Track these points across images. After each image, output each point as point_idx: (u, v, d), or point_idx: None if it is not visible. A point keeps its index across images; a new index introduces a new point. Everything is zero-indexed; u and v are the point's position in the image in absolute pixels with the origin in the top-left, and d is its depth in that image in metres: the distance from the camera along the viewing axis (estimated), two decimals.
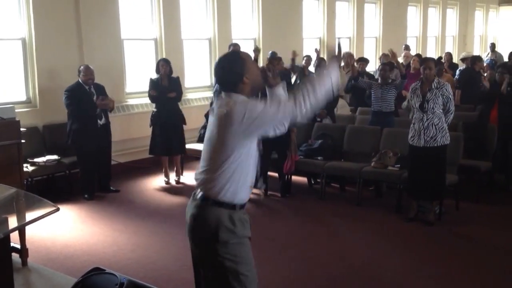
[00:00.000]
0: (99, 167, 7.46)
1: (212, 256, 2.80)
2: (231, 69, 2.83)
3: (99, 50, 8.18)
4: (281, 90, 3.00)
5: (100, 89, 7.31)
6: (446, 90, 5.91)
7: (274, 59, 7.45)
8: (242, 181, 2.83)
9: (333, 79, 2.83)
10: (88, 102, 7.09)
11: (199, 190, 2.88)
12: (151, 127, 7.86)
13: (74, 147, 7.21)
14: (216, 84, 7.07)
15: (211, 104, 8.55)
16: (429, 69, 5.97)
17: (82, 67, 7.23)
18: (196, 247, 2.91)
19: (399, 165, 6.64)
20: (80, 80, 7.19)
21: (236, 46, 8.62)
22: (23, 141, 6.43)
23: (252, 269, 2.87)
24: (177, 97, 7.88)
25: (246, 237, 2.89)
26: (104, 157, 7.45)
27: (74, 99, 7.04)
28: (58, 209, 4.12)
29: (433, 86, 5.92)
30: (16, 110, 6.87)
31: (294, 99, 2.77)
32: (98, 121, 7.19)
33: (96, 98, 7.15)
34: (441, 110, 5.91)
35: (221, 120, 2.78)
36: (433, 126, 5.88)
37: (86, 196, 7.23)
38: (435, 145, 5.89)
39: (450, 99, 5.93)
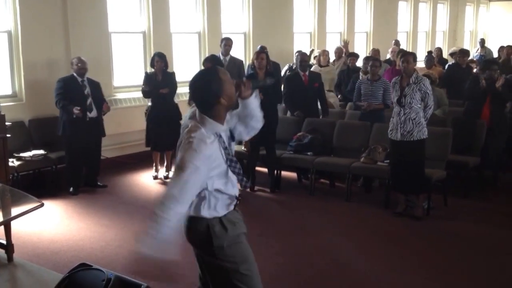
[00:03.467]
0: (87, 161, 7.39)
1: (211, 259, 2.85)
2: (208, 89, 2.68)
3: (86, 43, 8.08)
4: (254, 101, 2.91)
5: (95, 85, 7.27)
6: (424, 85, 5.92)
7: (261, 53, 7.36)
8: (220, 199, 2.81)
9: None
10: (78, 94, 7.02)
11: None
12: (146, 122, 7.81)
13: (64, 138, 7.13)
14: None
15: None
16: (406, 63, 5.99)
17: (75, 58, 7.19)
18: (196, 249, 2.98)
19: (388, 161, 6.63)
20: (74, 73, 7.13)
21: (228, 40, 8.55)
22: (8, 135, 6.40)
23: (252, 265, 2.90)
24: (171, 93, 7.80)
25: (241, 235, 2.91)
26: (93, 151, 7.37)
27: (65, 89, 6.98)
28: (42, 205, 4.08)
29: (411, 81, 5.94)
30: (2, 104, 6.85)
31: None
32: (88, 113, 7.10)
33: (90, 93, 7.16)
34: (420, 105, 5.92)
35: (178, 157, 2.70)
36: (410, 120, 5.91)
37: (71, 190, 7.16)
38: (412, 139, 5.93)
39: (428, 94, 5.93)
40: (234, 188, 2.89)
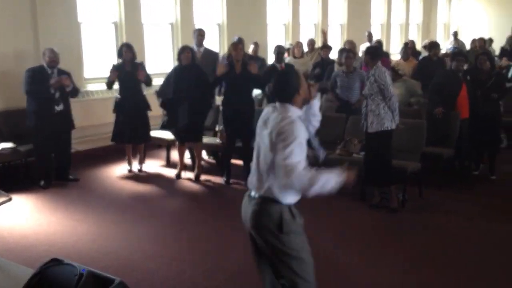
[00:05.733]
0: (57, 154, 7.23)
1: (278, 246, 3.09)
2: (290, 82, 3.17)
3: (55, 33, 7.90)
4: (317, 102, 3.39)
5: (65, 75, 7.07)
6: (379, 76, 5.91)
7: (238, 44, 7.30)
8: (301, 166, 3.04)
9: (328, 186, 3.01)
10: (46, 86, 6.85)
11: (254, 191, 3.20)
12: (115, 114, 7.66)
13: (31, 131, 6.96)
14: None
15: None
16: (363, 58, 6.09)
17: (47, 49, 7.00)
18: (261, 239, 3.17)
19: (364, 153, 6.63)
20: (44, 64, 6.95)
21: (201, 31, 8.45)
22: None
23: (309, 256, 3.21)
24: (147, 82, 7.69)
25: (302, 225, 3.21)
26: (63, 144, 7.22)
27: (33, 79, 6.80)
28: (10, 199, 3.97)
29: (370, 74, 5.98)
30: None
31: (310, 180, 2.95)
32: (56, 107, 6.94)
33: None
34: (380, 97, 5.93)
35: (273, 135, 3.04)
36: (371, 112, 5.97)
37: (42, 183, 7.02)
38: (372, 130, 5.98)
39: (384, 85, 5.90)
40: None
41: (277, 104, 3.20)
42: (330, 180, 2.97)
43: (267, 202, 3.09)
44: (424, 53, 10.95)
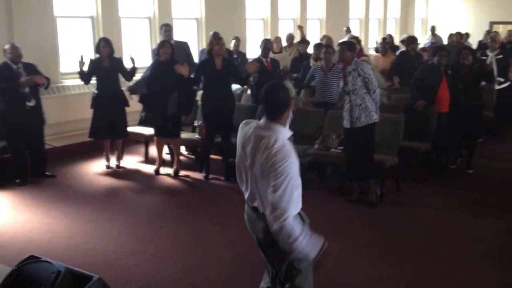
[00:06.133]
0: (31, 151, 7.14)
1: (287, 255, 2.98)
2: (281, 96, 3.01)
3: (31, 27, 7.78)
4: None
5: (31, 68, 6.93)
6: (362, 70, 5.94)
7: (221, 39, 7.25)
8: (299, 194, 2.93)
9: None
10: (14, 82, 6.71)
11: (257, 206, 3.06)
12: (92, 109, 7.57)
13: (3, 129, 6.87)
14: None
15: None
16: (341, 53, 6.05)
17: (7, 46, 6.85)
18: (275, 251, 3.06)
19: (342, 147, 6.66)
20: (7, 60, 6.81)
21: (168, 26, 8.39)
22: None
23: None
24: (129, 76, 7.63)
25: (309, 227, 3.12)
26: (36, 140, 7.12)
27: (1, 76, 6.68)
28: None
29: (351, 68, 5.97)
30: None
31: (293, 239, 2.81)
32: (27, 103, 6.81)
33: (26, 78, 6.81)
34: (364, 91, 5.95)
35: (264, 163, 2.87)
36: (357, 106, 5.96)
37: (17, 181, 6.93)
38: (360, 125, 5.98)
39: (367, 77, 5.94)
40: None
41: (265, 122, 3.02)
42: (310, 251, 2.86)
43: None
44: (402, 48, 11.01)
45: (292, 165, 2.83)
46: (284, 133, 2.99)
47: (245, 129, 3.09)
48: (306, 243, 2.82)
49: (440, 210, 6.10)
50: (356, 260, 4.80)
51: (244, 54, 9.84)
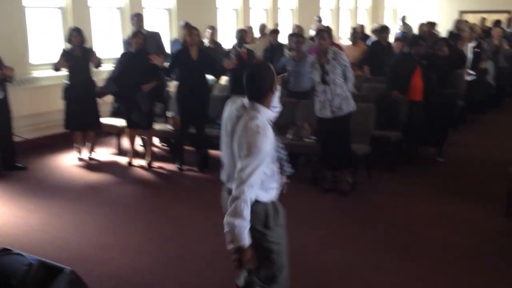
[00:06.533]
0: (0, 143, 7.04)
1: (262, 242, 3.07)
2: (264, 78, 2.98)
3: None
4: (277, 95, 3.08)
5: None
6: (342, 58, 6.01)
7: (193, 28, 7.18)
8: (272, 183, 3.08)
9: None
10: None
11: (231, 184, 3.02)
12: (64, 101, 7.48)
13: None
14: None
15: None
16: (323, 40, 6.05)
17: None
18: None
19: (315, 137, 6.72)
20: None
21: (139, 16, 8.32)
22: None
23: (286, 244, 3.27)
24: (98, 65, 7.55)
25: (284, 218, 3.25)
26: (4, 133, 7.02)
27: None
28: None
29: (329, 57, 5.99)
30: None
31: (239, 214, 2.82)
32: None
33: None
34: (342, 80, 6.02)
35: (239, 142, 2.90)
36: (337, 96, 5.99)
37: None
38: (342, 114, 6.03)
39: (347, 66, 6.03)
40: (278, 174, 3.16)
41: (247, 102, 3.02)
42: (243, 232, 2.82)
43: (254, 204, 2.95)
44: (374, 38, 11.10)
45: (264, 148, 2.82)
46: (265, 114, 2.98)
47: (231, 108, 3.10)
48: (240, 229, 2.80)
49: (410, 198, 6.22)
50: (331, 246, 4.90)
51: (219, 44, 9.81)
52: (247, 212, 2.81)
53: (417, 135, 7.39)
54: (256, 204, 2.97)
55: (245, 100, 3.03)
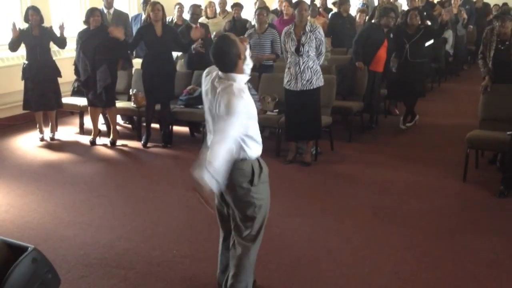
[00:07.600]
0: None
1: (245, 197, 3.22)
2: (228, 50, 3.09)
3: None
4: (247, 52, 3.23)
5: None
6: (319, 32, 6.05)
7: (156, 4, 7.05)
8: (256, 142, 3.25)
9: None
10: None
11: None
12: (23, 81, 7.36)
13: None
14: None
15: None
16: (305, 11, 6.06)
17: None
18: (229, 193, 3.26)
19: (277, 110, 6.77)
20: None
21: None
22: None
23: (268, 203, 3.42)
24: (61, 46, 7.46)
25: (267, 175, 3.37)
26: None
27: None
28: None
29: (306, 30, 6.01)
30: None
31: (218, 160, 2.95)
32: None
33: None
34: (315, 53, 6.06)
35: (219, 108, 3.06)
36: (309, 69, 6.02)
37: None
38: (311, 87, 6.06)
39: (322, 41, 6.09)
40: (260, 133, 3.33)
41: (221, 74, 3.16)
42: (212, 177, 2.93)
43: (237, 161, 3.16)
44: (335, 10, 11.12)
45: (240, 109, 2.98)
46: (240, 80, 3.13)
47: (208, 78, 3.25)
48: (212, 172, 2.91)
49: (371, 166, 6.35)
50: (297, 215, 5.00)
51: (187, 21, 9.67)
52: (222, 157, 2.94)
53: (377, 105, 7.53)
54: (242, 161, 3.17)
55: (220, 72, 3.17)
